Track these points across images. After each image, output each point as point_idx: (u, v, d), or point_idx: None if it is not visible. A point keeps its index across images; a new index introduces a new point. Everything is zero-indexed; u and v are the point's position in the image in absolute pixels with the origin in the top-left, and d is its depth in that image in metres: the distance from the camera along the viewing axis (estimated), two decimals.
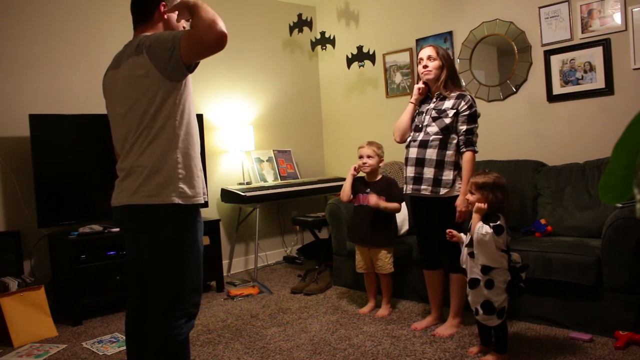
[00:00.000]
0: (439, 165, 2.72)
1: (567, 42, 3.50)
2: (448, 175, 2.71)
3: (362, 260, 3.27)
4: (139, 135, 1.71)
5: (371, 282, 3.31)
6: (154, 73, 1.66)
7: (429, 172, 2.74)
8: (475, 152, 2.71)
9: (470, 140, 2.70)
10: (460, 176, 2.71)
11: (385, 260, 3.17)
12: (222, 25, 1.59)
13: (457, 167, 2.73)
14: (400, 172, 3.95)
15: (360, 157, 3.22)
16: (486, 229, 2.30)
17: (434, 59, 2.78)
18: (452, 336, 2.73)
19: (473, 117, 2.70)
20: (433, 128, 2.74)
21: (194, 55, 1.64)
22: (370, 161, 3.18)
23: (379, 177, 3.25)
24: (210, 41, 1.58)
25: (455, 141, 2.72)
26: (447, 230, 2.53)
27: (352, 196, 3.27)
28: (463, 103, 2.70)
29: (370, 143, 3.22)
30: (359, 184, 3.28)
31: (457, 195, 2.69)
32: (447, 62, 2.78)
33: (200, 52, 1.63)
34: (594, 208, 3.05)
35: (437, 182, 2.72)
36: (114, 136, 1.85)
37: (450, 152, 2.72)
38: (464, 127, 2.69)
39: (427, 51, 2.81)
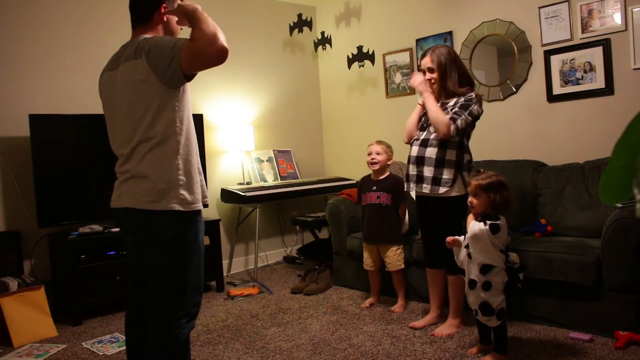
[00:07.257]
0: (439, 164, 2.69)
1: (567, 42, 3.50)
2: (448, 174, 2.68)
3: (370, 257, 3.32)
4: (139, 141, 1.70)
5: (376, 279, 3.37)
6: (152, 78, 1.65)
7: (428, 171, 2.72)
8: (452, 124, 2.61)
9: (455, 114, 2.64)
10: (462, 176, 2.69)
11: (394, 257, 3.22)
12: (223, 39, 1.58)
13: (458, 166, 2.69)
14: (400, 172, 3.95)
15: (369, 153, 3.29)
16: (481, 225, 2.31)
17: (433, 70, 2.74)
18: (452, 336, 2.73)
19: (466, 107, 2.64)
20: None
21: (194, 67, 1.64)
22: (379, 157, 3.25)
23: (386, 174, 3.30)
24: (211, 56, 1.58)
25: (456, 139, 2.69)
26: (447, 239, 2.51)
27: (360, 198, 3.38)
28: (463, 98, 2.68)
29: (379, 142, 3.32)
30: (366, 183, 3.35)
31: (457, 196, 2.68)
32: (442, 70, 2.72)
33: (200, 65, 1.64)
34: (594, 208, 3.05)
35: (436, 180, 2.70)
36: (110, 138, 1.84)
37: (450, 151, 2.68)
38: (455, 109, 2.66)
39: (425, 62, 2.77)
